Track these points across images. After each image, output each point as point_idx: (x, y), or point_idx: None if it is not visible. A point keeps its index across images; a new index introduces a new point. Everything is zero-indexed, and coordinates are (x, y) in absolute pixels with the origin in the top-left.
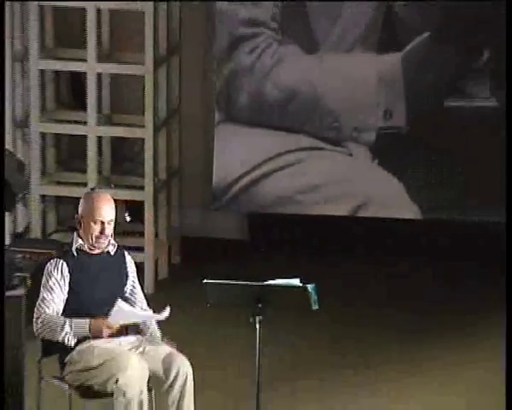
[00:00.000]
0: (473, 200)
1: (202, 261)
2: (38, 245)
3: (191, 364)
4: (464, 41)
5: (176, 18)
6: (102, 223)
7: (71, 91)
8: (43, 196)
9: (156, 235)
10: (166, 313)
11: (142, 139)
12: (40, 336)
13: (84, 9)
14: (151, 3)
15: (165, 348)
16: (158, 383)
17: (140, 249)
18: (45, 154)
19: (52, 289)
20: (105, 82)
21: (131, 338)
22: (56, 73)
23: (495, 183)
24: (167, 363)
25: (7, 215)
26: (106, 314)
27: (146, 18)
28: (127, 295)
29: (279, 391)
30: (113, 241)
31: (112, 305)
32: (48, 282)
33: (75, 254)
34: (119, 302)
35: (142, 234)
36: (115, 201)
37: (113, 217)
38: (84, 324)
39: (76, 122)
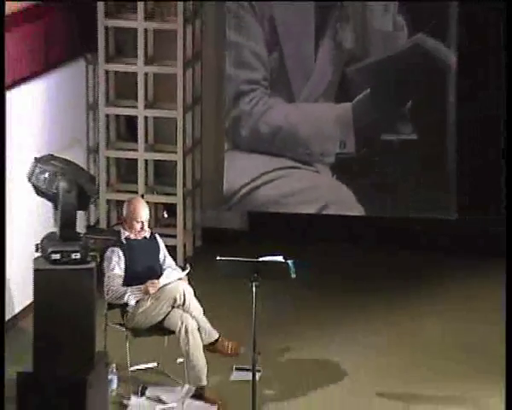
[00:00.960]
0: (402, 201)
1: (216, 245)
2: (104, 233)
3: (206, 312)
4: (394, 95)
5: (198, 79)
6: (142, 222)
7: (127, 129)
8: (107, 200)
9: (184, 226)
10: (187, 270)
11: (175, 161)
12: (109, 302)
13: (135, 73)
14: (181, 69)
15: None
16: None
17: (174, 236)
18: (109, 171)
19: (114, 269)
20: (150, 122)
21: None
22: (117, 116)
23: (417, 188)
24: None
25: (82, 213)
26: (150, 278)
27: (178, 79)
28: (161, 262)
29: (278, 335)
30: (147, 229)
31: (152, 272)
32: (110, 264)
33: (124, 242)
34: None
35: (175, 226)
36: (157, 203)
37: (148, 216)
38: (138, 289)
39: (130, 150)
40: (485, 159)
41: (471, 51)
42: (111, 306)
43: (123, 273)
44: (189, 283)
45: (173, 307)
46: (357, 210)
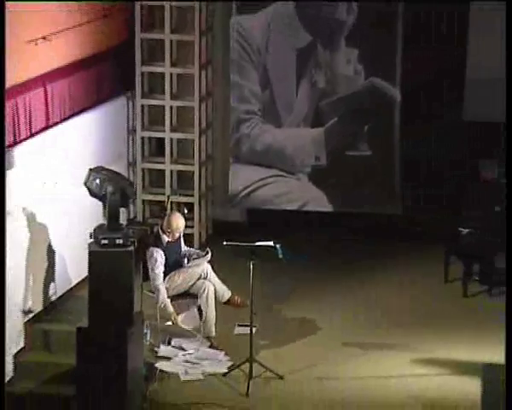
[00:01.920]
0: (361, 201)
1: (223, 233)
2: (140, 225)
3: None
4: (354, 122)
5: (210, 110)
6: (180, 231)
7: (157, 147)
8: (142, 200)
9: (199, 219)
10: (209, 256)
11: (193, 171)
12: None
13: (163, 106)
14: (197, 103)
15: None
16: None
17: (192, 227)
18: (144, 178)
19: (159, 267)
20: (174, 142)
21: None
22: (149, 138)
23: (372, 190)
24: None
25: (124, 209)
26: (181, 266)
27: (195, 110)
28: (182, 254)
29: (270, 301)
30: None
31: (178, 264)
32: (156, 262)
33: (164, 244)
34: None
35: (192, 219)
36: (179, 202)
37: (183, 227)
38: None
39: (159, 162)
40: (425, 169)
41: (412, 88)
42: (145, 276)
43: (163, 267)
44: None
45: (198, 279)
46: (327, 207)
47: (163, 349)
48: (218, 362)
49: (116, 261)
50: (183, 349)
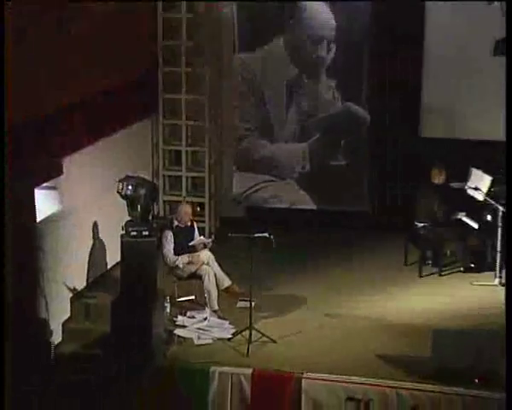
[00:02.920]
0: (338, 201)
1: (228, 225)
2: (162, 219)
3: (221, 267)
4: (333, 138)
5: (217, 129)
6: (189, 215)
7: (175, 158)
8: (163, 200)
9: (209, 216)
10: (210, 240)
11: (204, 177)
12: (166, 264)
13: (180, 126)
14: (208, 123)
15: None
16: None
17: (203, 222)
18: (165, 183)
19: (169, 244)
20: (189, 154)
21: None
22: (169, 151)
23: (346, 192)
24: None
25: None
26: (187, 250)
27: (205, 129)
28: (195, 237)
29: (266, 281)
30: (189, 219)
31: (188, 246)
32: (166, 241)
33: (175, 228)
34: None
35: (204, 215)
36: (194, 202)
37: (189, 213)
38: (183, 256)
39: (177, 170)
40: (390, 175)
41: (378, 110)
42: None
43: (173, 247)
44: (209, 249)
45: (203, 264)
46: (311, 206)
47: (180, 319)
48: (224, 329)
49: (143, 249)
50: (195, 318)
